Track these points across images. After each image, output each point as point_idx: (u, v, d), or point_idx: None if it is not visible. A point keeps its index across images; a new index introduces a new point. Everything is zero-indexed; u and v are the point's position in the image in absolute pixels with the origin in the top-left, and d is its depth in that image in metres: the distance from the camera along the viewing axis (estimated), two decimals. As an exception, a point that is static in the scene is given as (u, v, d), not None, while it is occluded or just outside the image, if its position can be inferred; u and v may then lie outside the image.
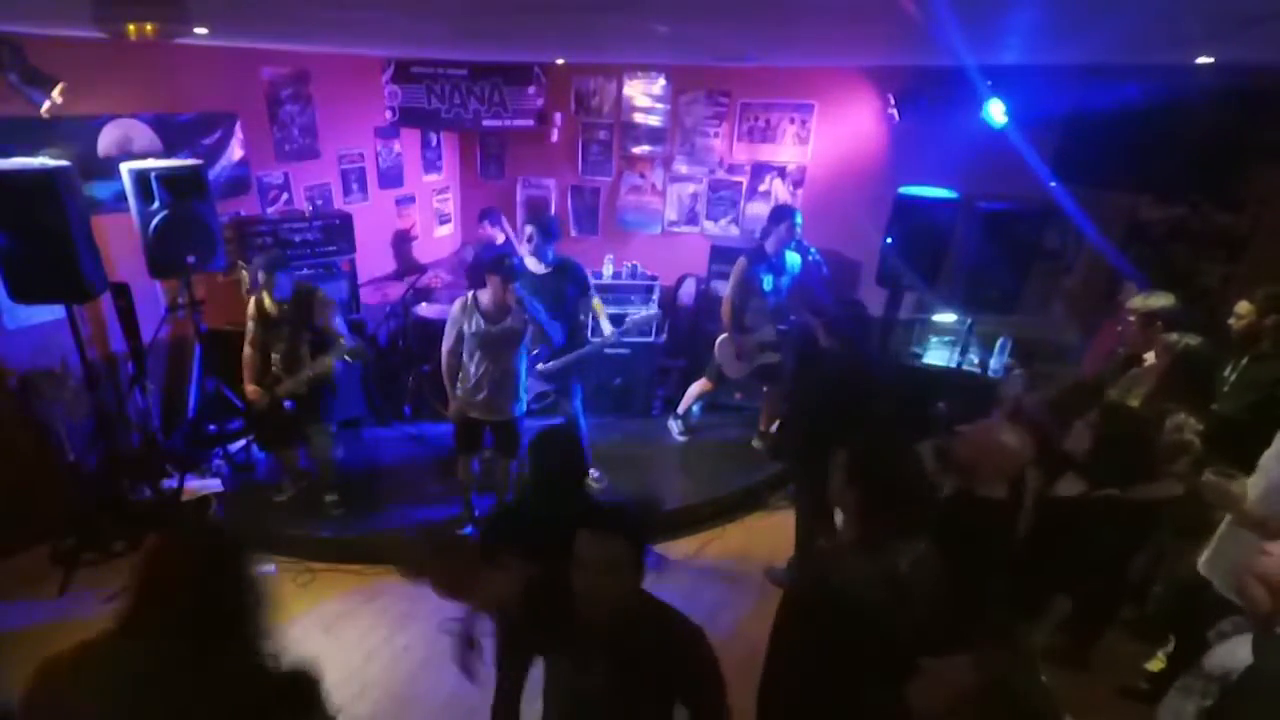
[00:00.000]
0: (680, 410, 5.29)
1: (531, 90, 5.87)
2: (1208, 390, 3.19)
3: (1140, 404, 3.26)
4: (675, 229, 6.32)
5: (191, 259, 3.97)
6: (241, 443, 4.78)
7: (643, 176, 6.27)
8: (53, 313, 3.87)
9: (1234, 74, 4.09)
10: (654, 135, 6.10)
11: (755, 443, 5.16)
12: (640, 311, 5.07)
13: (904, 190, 4.81)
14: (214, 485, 4.44)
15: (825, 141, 5.69)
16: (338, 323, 3.95)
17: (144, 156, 4.13)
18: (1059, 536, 2.49)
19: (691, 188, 6.18)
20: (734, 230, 6.12)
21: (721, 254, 5.71)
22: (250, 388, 3.99)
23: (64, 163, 3.56)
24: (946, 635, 1.81)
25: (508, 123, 5.98)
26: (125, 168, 3.85)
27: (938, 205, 4.70)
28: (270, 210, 5.15)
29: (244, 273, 4.66)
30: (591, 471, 4.49)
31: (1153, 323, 3.52)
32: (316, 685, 1.57)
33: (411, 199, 6.48)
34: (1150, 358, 3.50)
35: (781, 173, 5.88)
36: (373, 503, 4.43)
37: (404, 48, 5.06)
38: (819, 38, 3.51)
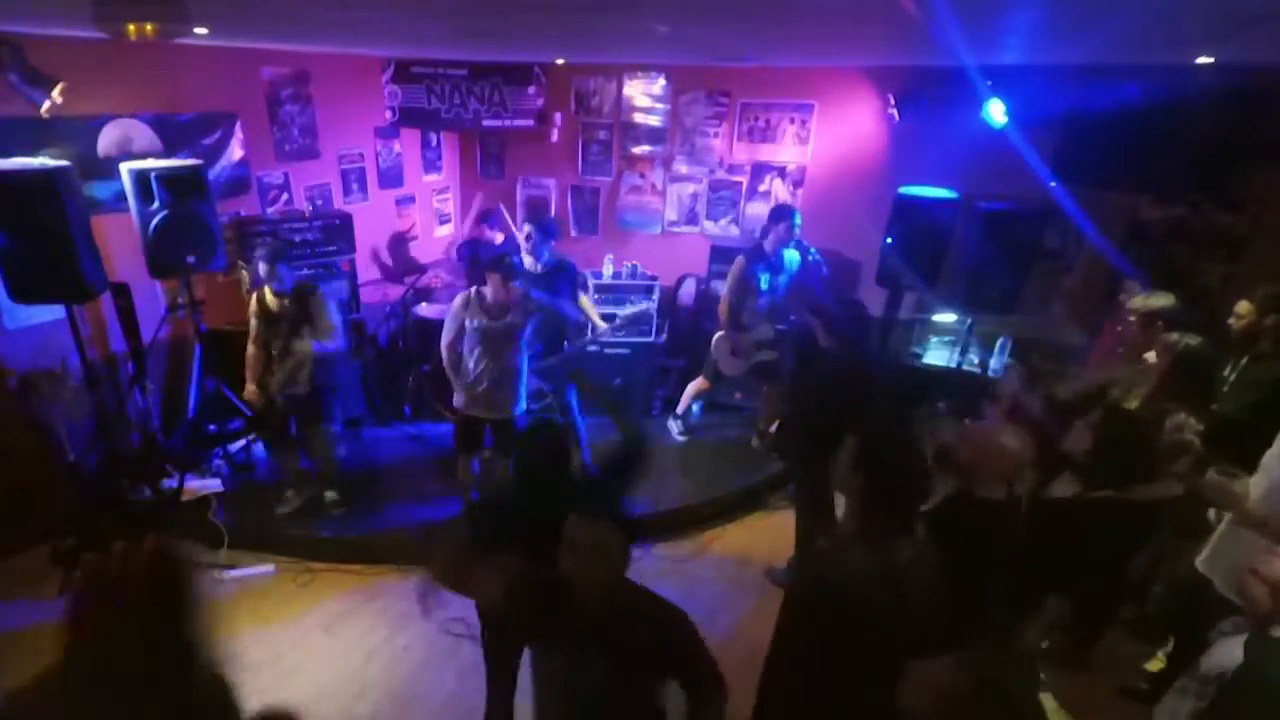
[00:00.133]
0: (679, 410, 5.30)
1: (531, 90, 5.87)
2: (1208, 390, 3.19)
3: (1140, 404, 3.26)
4: (675, 229, 6.32)
5: (191, 259, 3.97)
6: (241, 443, 4.77)
7: (643, 176, 6.27)
8: (53, 313, 3.87)
9: (1234, 74, 4.09)
10: (654, 135, 6.10)
11: (754, 442, 5.17)
12: (631, 307, 5.07)
13: (904, 190, 4.81)
14: (214, 485, 4.44)
15: (825, 141, 5.69)
16: (331, 315, 3.95)
17: (144, 156, 4.13)
18: (1056, 537, 2.49)
19: (691, 188, 6.18)
20: (734, 230, 6.12)
21: (721, 254, 5.70)
22: (249, 387, 4.01)
23: (64, 163, 3.56)
24: (944, 634, 1.81)
25: (508, 123, 5.98)
26: (125, 168, 3.85)
27: (938, 205, 4.70)
28: (270, 210, 5.15)
29: (244, 273, 4.66)
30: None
31: (1153, 323, 3.52)
32: None
33: (411, 199, 6.48)
34: (1150, 358, 3.50)
35: (781, 173, 5.88)
36: (373, 503, 4.43)
37: (404, 48, 5.06)
38: (819, 38, 3.51)
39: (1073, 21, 2.53)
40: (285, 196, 5.29)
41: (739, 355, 4.87)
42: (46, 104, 3.56)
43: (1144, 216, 4.84)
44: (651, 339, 5.57)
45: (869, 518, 1.89)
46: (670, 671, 1.83)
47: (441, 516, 4.28)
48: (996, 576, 2.24)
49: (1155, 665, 3.24)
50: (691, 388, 5.19)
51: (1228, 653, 1.94)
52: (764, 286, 4.67)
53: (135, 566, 1.35)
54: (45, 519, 4.00)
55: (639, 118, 6.08)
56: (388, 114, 5.85)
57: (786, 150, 5.81)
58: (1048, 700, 3.02)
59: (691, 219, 6.25)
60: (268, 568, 4.02)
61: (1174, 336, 3.41)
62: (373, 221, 6.01)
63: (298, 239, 4.93)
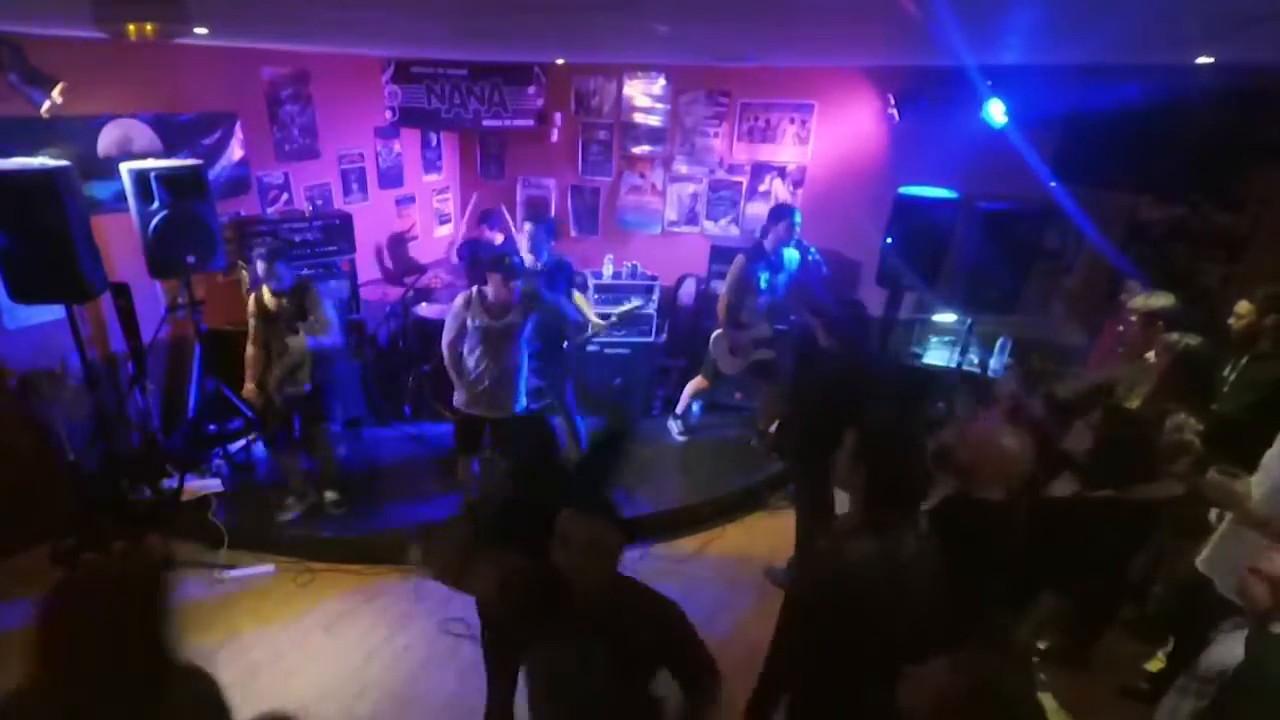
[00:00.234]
0: (679, 410, 5.30)
1: (531, 90, 5.87)
2: (1208, 390, 3.19)
3: (1141, 404, 3.27)
4: (675, 229, 6.32)
5: (191, 259, 3.97)
6: (241, 443, 4.78)
7: (643, 176, 6.27)
8: (53, 313, 3.87)
9: (1234, 74, 4.09)
10: (654, 135, 6.10)
11: (754, 442, 5.16)
12: (624, 305, 5.07)
13: (904, 190, 4.81)
14: (214, 485, 4.44)
15: (825, 141, 5.69)
16: (326, 310, 3.95)
17: (144, 156, 4.13)
18: (1056, 536, 2.49)
19: (691, 188, 6.18)
20: (734, 230, 6.12)
21: (721, 254, 5.70)
22: (248, 386, 3.99)
23: (64, 163, 3.56)
24: (945, 631, 1.82)
25: (508, 123, 5.98)
26: (125, 168, 3.85)
27: (938, 205, 4.70)
28: (270, 210, 5.15)
29: (244, 272, 4.66)
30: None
31: (1154, 323, 3.52)
32: None
33: (411, 199, 6.48)
34: (1150, 358, 3.50)
35: (781, 173, 5.88)
36: (373, 503, 4.42)
37: (404, 48, 5.06)
38: (819, 38, 3.51)
39: (1073, 21, 2.53)
40: (285, 196, 5.29)
41: (737, 354, 4.87)
42: (46, 104, 3.56)
43: (1144, 216, 4.84)
44: (651, 339, 5.57)
45: (871, 513, 1.90)
46: (664, 663, 1.84)
47: (442, 516, 4.29)
48: (995, 577, 2.25)
49: (1155, 665, 3.24)
50: (690, 387, 5.19)
51: (1227, 651, 1.94)
52: (763, 286, 4.67)
53: (105, 576, 1.36)
54: (45, 519, 4.00)
55: (639, 118, 6.08)
56: (388, 114, 5.85)
57: (786, 150, 5.81)
58: (1048, 700, 3.02)
59: (691, 219, 6.25)
60: (268, 568, 4.02)
61: (1174, 336, 3.41)
62: (373, 221, 6.01)
63: (298, 239, 4.93)
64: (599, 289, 5.48)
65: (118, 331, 4.28)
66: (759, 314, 4.78)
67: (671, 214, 6.29)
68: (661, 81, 5.94)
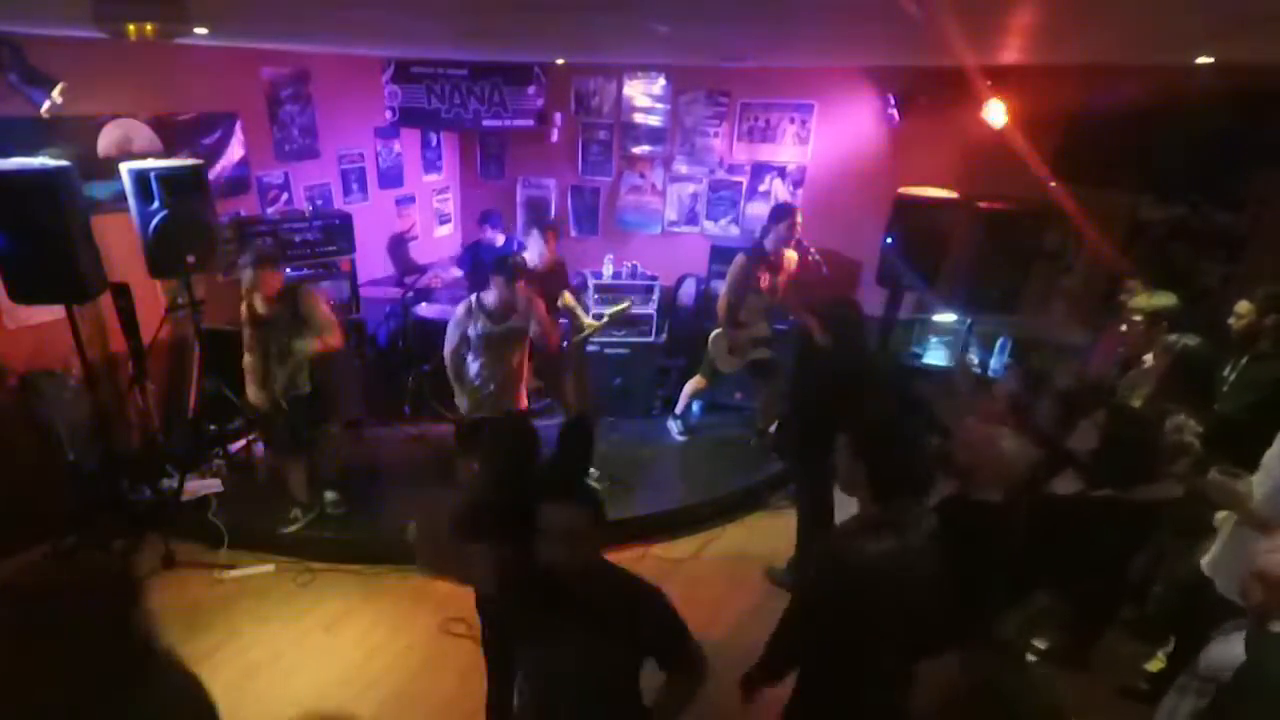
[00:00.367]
0: (678, 410, 5.30)
1: (531, 90, 5.87)
2: (1208, 390, 3.19)
3: (1142, 404, 3.27)
4: (675, 229, 6.32)
5: (191, 259, 3.96)
6: (241, 443, 4.77)
7: (643, 176, 6.27)
8: (53, 313, 3.86)
9: (1234, 74, 4.09)
10: (654, 135, 6.10)
11: (754, 442, 5.16)
12: (615, 306, 5.09)
13: (904, 190, 4.81)
14: (214, 485, 4.44)
15: (825, 141, 5.69)
16: (325, 311, 3.93)
17: (144, 156, 4.12)
18: (1056, 535, 2.49)
19: (691, 188, 6.17)
20: (734, 230, 6.12)
21: (721, 254, 5.70)
22: (252, 390, 3.95)
23: (64, 163, 3.55)
24: (950, 625, 1.82)
25: (508, 123, 5.98)
26: (125, 168, 3.85)
27: (938, 205, 4.70)
28: (270, 210, 5.15)
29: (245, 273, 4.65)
30: (590, 470, 4.50)
31: (1158, 322, 3.52)
32: None
33: (411, 199, 6.48)
34: (1150, 358, 3.50)
35: (781, 173, 5.88)
36: (373, 503, 4.42)
37: (404, 48, 5.06)
38: (819, 38, 3.51)
39: (1073, 21, 2.53)
40: (285, 196, 5.29)
41: (736, 353, 4.87)
42: (46, 104, 3.56)
43: (1144, 216, 4.84)
44: (651, 339, 5.57)
45: (881, 496, 1.91)
46: (645, 647, 1.85)
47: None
48: (993, 578, 2.25)
49: (1155, 665, 3.24)
50: (689, 386, 5.19)
51: (1227, 650, 1.94)
52: (764, 285, 4.67)
53: (55, 582, 1.31)
54: (45, 519, 4.00)
55: (639, 118, 6.08)
56: (388, 114, 5.84)
57: (786, 150, 5.81)
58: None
59: (691, 219, 6.25)
60: (268, 568, 4.02)
61: (1173, 337, 3.41)
62: (373, 221, 6.01)
63: (298, 239, 4.93)
64: (599, 289, 5.48)
65: (118, 331, 4.28)
66: (758, 313, 4.78)
67: (671, 214, 6.29)
68: (661, 81, 5.94)
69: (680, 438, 5.30)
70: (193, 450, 4.57)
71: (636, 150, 6.18)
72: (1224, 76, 4.11)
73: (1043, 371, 4.47)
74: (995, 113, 4.63)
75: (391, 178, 6.22)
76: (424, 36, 3.96)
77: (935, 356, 5.31)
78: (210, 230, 4.04)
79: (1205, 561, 2.78)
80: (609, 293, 5.48)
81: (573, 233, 6.50)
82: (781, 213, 4.60)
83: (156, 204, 3.82)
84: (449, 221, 6.99)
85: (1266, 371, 3.14)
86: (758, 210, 5.82)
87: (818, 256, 4.83)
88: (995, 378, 4.94)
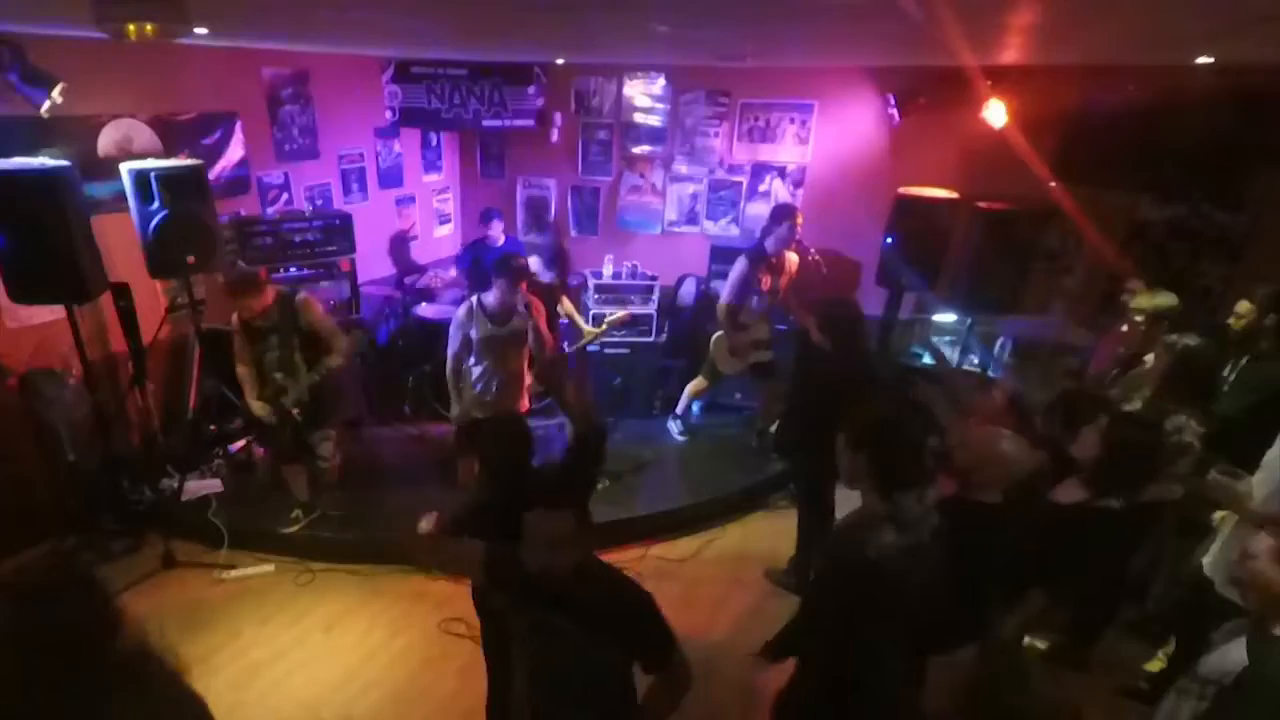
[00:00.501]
0: (679, 410, 5.30)
1: (531, 90, 5.87)
2: (1209, 391, 3.19)
3: (1143, 404, 3.26)
4: (675, 229, 6.32)
5: (191, 259, 3.96)
6: (241, 442, 4.77)
7: (643, 176, 6.27)
8: (53, 313, 3.86)
9: (1234, 74, 4.09)
10: (654, 135, 6.10)
11: (754, 442, 5.16)
12: (615, 314, 5.13)
13: (904, 190, 4.81)
14: (214, 485, 4.44)
15: (825, 141, 5.68)
16: (327, 320, 3.90)
17: (144, 156, 4.12)
18: (1056, 537, 2.48)
19: (691, 188, 6.17)
20: (734, 230, 6.12)
21: (721, 254, 5.70)
22: (256, 404, 3.85)
23: (64, 163, 3.56)
24: (948, 628, 1.83)
25: (508, 123, 5.98)
26: (125, 168, 3.85)
27: (938, 205, 4.70)
28: (270, 210, 5.15)
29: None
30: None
31: (1159, 322, 3.52)
32: None
33: (411, 199, 6.48)
34: (1151, 358, 3.50)
35: (781, 173, 5.88)
36: (373, 503, 4.42)
37: (404, 48, 5.06)
38: (819, 38, 3.51)
39: (1073, 21, 2.53)
40: (285, 196, 5.29)
41: (737, 355, 4.87)
42: (46, 104, 3.55)
43: (1144, 216, 4.84)
44: (651, 339, 5.57)
45: (885, 486, 1.92)
46: (631, 651, 1.85)
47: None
48: (992, 578, 2.25)
49: (1155, 665, 3.24)
50: (690, 387, 5.20)
51: (1227, 653, 1.94)
52: (765, 287, 4.67)
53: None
54: (45, 519, 4.00)
55: (639, 118, 6.08)
56: (388, 114, 5.84)
57: (786, 150, 5.81)
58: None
59: (691, 219, 6.25)
60: (268, 568, 4.02)
61: (1174, 337, 3.41)
62: (373, 221, 6.01)
63: (298, 239, 4.93)
64: (599, 289, 5.48)
65: (118, 331, 4.28)
66: (759, 315, 4.79)
67: (671, 214, 6.29)
68: (661, 81, 5.94)
69: (680, 438, 5.30)
70: (193, 450, 4.57)
71: (636, 150, 6.18)
72: (1224, 76, 4.11)
73: (1042, 371, 4.47)
74: (995, 113, 4.63)
75: (391, 178, 6.22)
76: (424, 36, 3.96)
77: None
78: (210, 230, 4.04)
79: (1206, 562, 2.78)
80: (609, 293, 5.48)
81: (573, 233, 6.51)
82: (782, 214, 4.59)
83: (156, 204, 3.82)
84: (449, 221, 6.99)
85: (1266, 371, 3.14)
86: (758, 210, 5.82)
87: (817, 257, 4.84)
88: (995, 378, 4.93)
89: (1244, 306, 3.34)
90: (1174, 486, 2.80)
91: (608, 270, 5.70)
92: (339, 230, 5.13)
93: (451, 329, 3.85)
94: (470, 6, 2.65)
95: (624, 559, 3.93)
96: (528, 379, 4.13)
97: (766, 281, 4.64)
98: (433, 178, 6.70)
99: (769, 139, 5.83)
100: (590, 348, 5.25)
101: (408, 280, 5.83)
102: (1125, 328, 3.79)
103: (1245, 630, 1.95)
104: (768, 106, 5.75)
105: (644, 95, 6.01)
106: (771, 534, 4.39)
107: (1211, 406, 3.12)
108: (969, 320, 5.07)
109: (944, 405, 4.39)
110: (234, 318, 3.85)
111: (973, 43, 3.16)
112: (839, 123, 5.59)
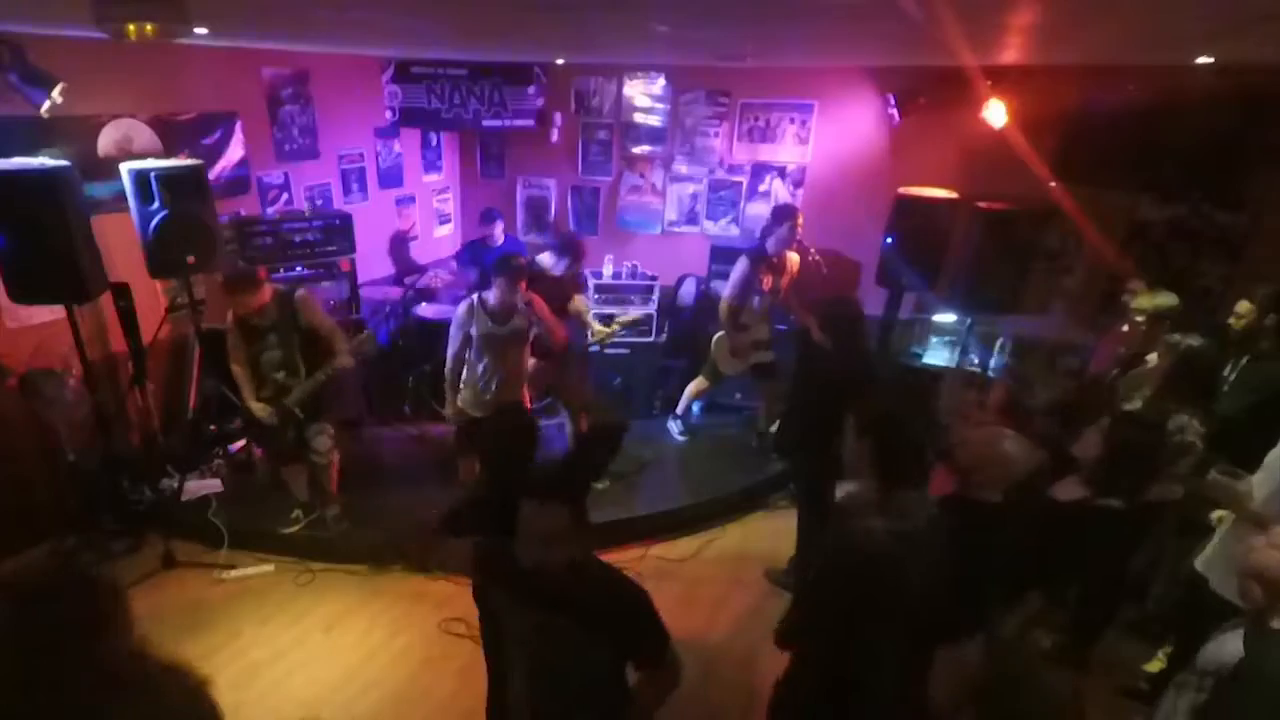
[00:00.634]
0: (679, 410, 5.30)
1: (531, 90, 5.87)
2: (1210, 391, 3.19)
3: (1144, 404, 3.26)
4: (675, 229, 6.32)
5: (191, 259, 3.96)
6: (241, 443, 4.77)
7: (643, 176, 6.27)
8: (53, 312, 3.86)
9: (1234, 74, 4.09)
10: (654, 135, 6.10)
11: (755, 442, 5.16)
12: (626, 316, 5.13)
13: (904, 190, 4.81)
14: (214, 485, 4.44)
15: (825, 141, 5.68)
16: (327, 319, 3.89)
17: (144, 156, 4.12)
18: (1056, 537, 2.49)
19: (691, 188, 6.17)
20: (734, 230, 6.12)
21: (721, 254, 5.70)
22: (257, 405, 3.83)
23: (64, 163, 3.55)
24: (946, 621, 1.83)
25: (508, 123, 5.98)
26: (125, 168, 3.85)
27: (938, 205, 4.70)
28: (270, 210, 5.15)
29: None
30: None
31: (1161, 322, 3.52)
32: None
33: (411, 199, 6.48)
34: (1153, 358, 3.50)
35: (782, 173, 5.88)
36: (373, 503, 4.41)
37: (404, 48, 5.06)
38: (819, 38, 3.51)
39: (1073, 21, 2.53)
40: (285, 196, 5.29)
41: (738, 355, 4.87)
42: (46, 104, 3.55)
43: (1144, 216, 4.84)
44: (651, 339, 5.57)
45: (886, 476, 1.92)
46: (623, 647, 1.85)
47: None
48: (992, 578, 2.25)
49: (1155, 665, 3.24)
50: (691, 388, 5.19)
51: (1223, 644, 1.94)
52: (766, 287, 4.67)
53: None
54: (45, 519, 4.00)
55: (639, 118, 6.08)
56: (388, 114, 5.84)
57: (786, 150, 5.81)
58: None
59: (691, 219, 6.25)
60: (268, 568, 4.02)
61: (1175, 337, 3.41)
62: (373, 221, 6.01)
63: (298, 239, 4.93)
64: (599, 289, 5.48)
65: (118, 331, 4.28)
66: (760, 315, 4.79)
67: (671, 214, 6.29)
68: (661, 81, 5.94)
69: (680, 438, 5.30)
70: (193, 450, 4.57)
71: (636, 150, 6.18)
72: (1224, 76, 4.11)
73: (1042, 371, 4.47)
74: (995, 113, 4.63)
75: (391, 178, 6.22)
76: (424, 36, 3.96)
77: (935, 356, 5.31)
78: (210, 230, 4.03)
79: (1199, 560, 2.78)
80: (609, 293, 5.48)
81: (573, 233, 6.52)
82: (783, 214, 4.60)
83: (156, 204, 3.82)
84: (449, 221, 6.99)
85: (1267, 371, 3.14)
86: (758, 210, 5.82)
87: (817, 257, 4.83)
88: (995, 378, 4.93)
89: (1244, 306, 3.34)
90: (1175, 487, 2.80)
91: (608, 270, 5.70)
92: (339, 230, 5.13)
93: (452, 328, 3.85)
94: (470, 6, 2.65)
95: (624, 559, 3.93)
96: (528, 377, 4.13)
97: (768, 282, 4.64)
98: (433, 178, 6.70)
99: (769, 139, 5.83)
100: (591, 347, 5.25)
101: (408, 280, 5.83)
102: (1126, 328, 3.79)
103: (1243, 626, 1.96)
104: (768, 106, 5.75)
105: (644, 95, 6.02)
106: (771, 534, 4.39)
107: (1212, 406, 3.13)
108: (969, 320, 5.07)
109: (945, 405, 4.40)
110: (229, 315, 3.83)
111: (973, 43, 3.16)
112: (839, 123, 5.59)
